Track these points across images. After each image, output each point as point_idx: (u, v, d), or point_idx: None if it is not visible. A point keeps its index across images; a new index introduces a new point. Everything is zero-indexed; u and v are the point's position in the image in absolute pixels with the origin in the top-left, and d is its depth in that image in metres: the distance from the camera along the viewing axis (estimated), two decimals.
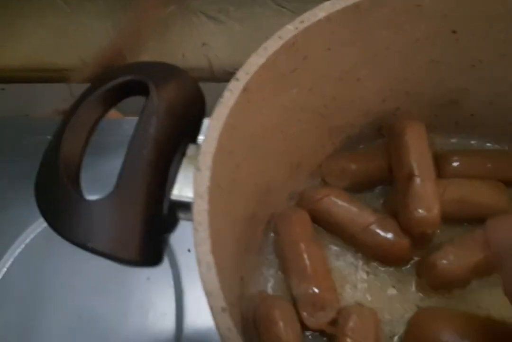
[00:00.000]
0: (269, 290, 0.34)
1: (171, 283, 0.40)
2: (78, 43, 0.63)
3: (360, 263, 0.34)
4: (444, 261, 0.32)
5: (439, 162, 0.36)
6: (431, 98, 0.37)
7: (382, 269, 0.34)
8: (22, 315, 0.39)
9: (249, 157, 0.31)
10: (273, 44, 0.29)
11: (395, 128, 0.36)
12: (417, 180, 0.33)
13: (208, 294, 0.22)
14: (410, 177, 0.33)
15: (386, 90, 0.36)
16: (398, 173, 0.35)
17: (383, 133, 0.38)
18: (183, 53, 0.63)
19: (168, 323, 0.38)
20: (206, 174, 0.25)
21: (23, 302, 0.40)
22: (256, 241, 0.35)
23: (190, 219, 0.27)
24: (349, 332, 0.30)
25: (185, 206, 0.27)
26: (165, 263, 0.36)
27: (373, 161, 0.37)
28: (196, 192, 0.24)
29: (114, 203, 0.25)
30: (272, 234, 0.35)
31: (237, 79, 0.28)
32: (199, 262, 0.22)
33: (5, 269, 0.41)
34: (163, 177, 0.26)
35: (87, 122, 0.27)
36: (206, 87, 0.69)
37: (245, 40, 0.62)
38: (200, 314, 0.39)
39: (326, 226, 0.35)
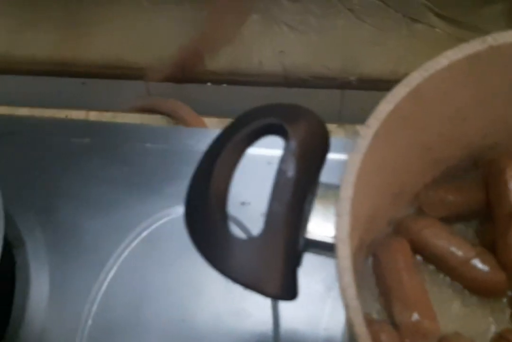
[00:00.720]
0: (366, 312, 0.36)
1: None
2: (158, 42, 0.65)
3: (457, 293, 0.37)
4: None
5: None
6: None
7: (478, 300, 0.36)
8: (127, 317, 0.42)
9: (369, 195, 0.33)
10: (400, 91, 0.31)
11: (495, 166, 0.37)
12: None
13: (358, 336, 0.24)
14: (511, 214, 0.35)
15: (489, 127, 0.38)
16: (497, 210, 0.36)
17: (479, 166, 0.40)
18: (260, 59, 0.65)
19: (265, 331, 0.41)
20: (346, 219, 0.27)
21: (128, 306, 0.43)
22: (358, 265, 0.37)
23: (320, 254, 0.29)
24: None
25: (318, 243, 0.29)
26: None
27: (471, 193, 0.38)
28: (338, 238, 0.26)
29: (261, 243, 0.27)
30: (370, 258, 0.38)
31: (369, 126, 0.30)
32: (347, 306, 0.25)
33: (110, 275, 0.44)
34: (300, 216, 0.29)
35: (232, 160, 0.29)
36: (279, 91, 0.71)
37: (321, 50, 0.64)
38: (296, 321, 0.41)
39: (424, 256, 0.37)
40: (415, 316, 0.34)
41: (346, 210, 0.27)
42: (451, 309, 0.36)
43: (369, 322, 0.34)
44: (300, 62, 0.66)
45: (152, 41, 0.65)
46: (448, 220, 0.39)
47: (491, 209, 0.37)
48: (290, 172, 0.29)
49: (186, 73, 0.67)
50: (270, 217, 0.27)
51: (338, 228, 0.27)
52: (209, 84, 0.67)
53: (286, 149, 0.29)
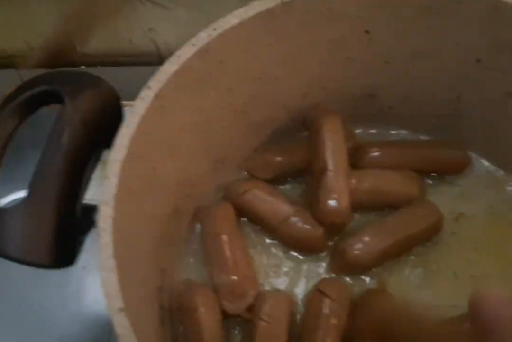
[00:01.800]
0: (194, 279, 0.36)
1: None
2: (26, 29, 0.63)
3: (281, 252, 0.37)
4: (354, 248, 0.35)
5: (358, 153, 0.39)
6: (349, 93, 0.39)
7: (301, 257, 0.37)
8: None
9: (168, 158, 0.32)
10: (186, 52, 0.31)
11: (313, 123, 0.38)
12: (329, 174, 0.35)
13: (107, 295, 0.24)
14: (323, 170, 0.35)
15: (305, 86, 0.38)
16: (313, 166, 0.37)
17: (306, 127, 0.40)
18: (130, 38, 0.64)
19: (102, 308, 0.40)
20: (113, 182, 0.27)
21: None
22: (182, 232, 0.37)
23: None
24: (263, 316, 0.33)
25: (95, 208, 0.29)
26: None
27: (296, 154, 0.39)
28: (101, 199, 0.26)
29: (27, 209, 0.26)
30: (198, 226, 0.38)
31: (149, 88, 0.30)
32: (101, 266, 0.25)
33: None
34: (77, 182, 0.28)
35: (2, 135, 0.28)
36: (156, 71, 0.69)
37: (191, 25, 0.63)
38: None
39: (250, 218, 0.37)
40: (232, 277, 0.34)
41: (114, 172, 0.27)
42: (277, 269, 0.37)
43: (187, 285, 0.34)
44: (172, 39, 0.65)
45: (19, 27, 0.63)
46: (277, 181, 0.39)
47: (311, 167, 0.37)
48: (64, 139, 0.28)
49: (58, 58, 0.66)
50: (39, 182, 0.27)
51: (102, 190, 0.26)
52: (83, 67, 0.66)
53: (61, 116, 0.29)
